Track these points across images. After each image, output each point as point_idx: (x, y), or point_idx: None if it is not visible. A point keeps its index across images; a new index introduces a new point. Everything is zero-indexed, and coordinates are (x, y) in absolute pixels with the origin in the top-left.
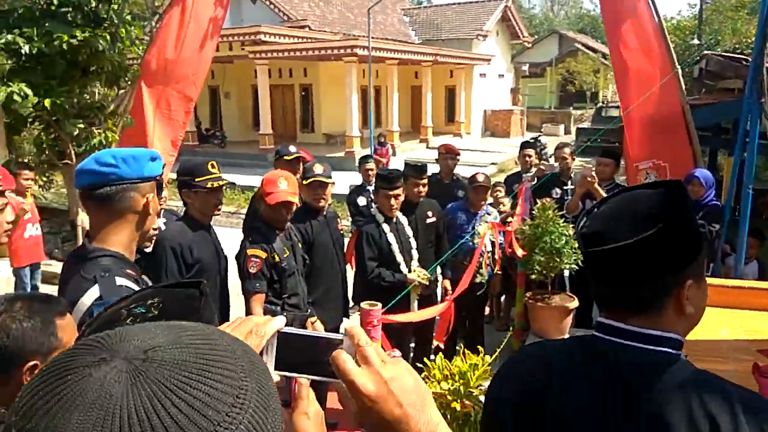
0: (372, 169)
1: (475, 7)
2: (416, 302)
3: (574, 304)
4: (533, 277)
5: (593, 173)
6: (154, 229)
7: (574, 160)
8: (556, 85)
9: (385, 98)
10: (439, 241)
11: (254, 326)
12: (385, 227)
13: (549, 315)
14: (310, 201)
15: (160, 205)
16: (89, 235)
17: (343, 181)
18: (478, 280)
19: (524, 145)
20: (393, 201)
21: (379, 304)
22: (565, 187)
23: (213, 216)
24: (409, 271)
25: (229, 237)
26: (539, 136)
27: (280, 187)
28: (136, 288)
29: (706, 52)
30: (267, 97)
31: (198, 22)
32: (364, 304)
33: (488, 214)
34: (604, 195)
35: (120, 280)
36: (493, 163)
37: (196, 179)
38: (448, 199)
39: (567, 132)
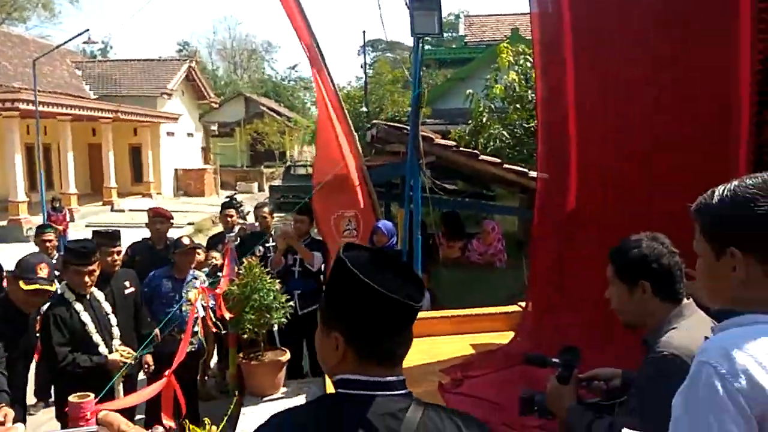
0: (51, 240)
1: (157, 65)
2: (120, 385)
3: (287, 357)
4: (245, 336)
5: (290, 230)
6: None
7: (273, 218)
8: (245, 145)
9: (57, 157)
10: (137, 313)
11: None
12: (78, 306)
13: (264, 371)
14: None
15: None
16: None
17: (6, 254)
18: (189, 349)
19: (225, 206)
20: (87, 278)
21: (91, 395)
22: (267, 245)
23: None
24: (110, 352)
25: None
26: (235, 194)
27: None
28: None
29: (374, 120)
30: None
31: None
32: (72, 398)
33: (195, 278)
34: (304, 249)
35: None
36: (190, 223)
37: None
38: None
39: (261, 189)
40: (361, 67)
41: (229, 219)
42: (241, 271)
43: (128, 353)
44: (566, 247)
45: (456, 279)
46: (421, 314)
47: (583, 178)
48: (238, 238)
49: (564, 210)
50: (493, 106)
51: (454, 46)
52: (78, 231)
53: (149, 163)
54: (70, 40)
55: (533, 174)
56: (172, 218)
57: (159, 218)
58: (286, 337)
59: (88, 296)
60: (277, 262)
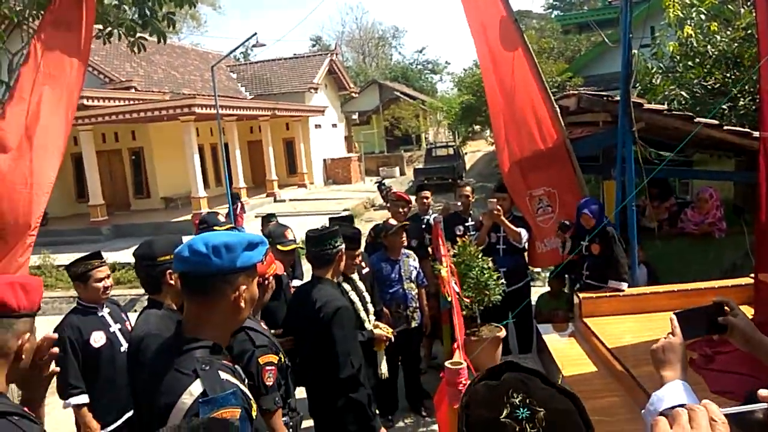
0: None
1: (302, 62)
2: (384, 359)
3: (503, 333)
4: (464, 313)
5: (498, 207)
6: None
7: (474, 197)
8: (382, 131)
9: (226, 155)
10: (372, 290)
11: None
12: (346, 287)
13: (483, 347)
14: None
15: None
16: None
17: None
18: (413, 324)
19: (420, 188)
20: (357, 260)
21: (464, 362)
22: (466, 224)
23: None
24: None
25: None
26: (383, 179)
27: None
28: (236, 381)
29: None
30: (94, 165)
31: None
32: (448, 364)
33: (407, 257)
34: (510, 226)
35: (222, 374)
36: (345, 210)
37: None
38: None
39: (402, 173)
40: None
41: (425, 201)
42: (455, 250)
43: (387, 329)
44: None
45: (672, 251)
46: (638, 289)
47: None
48: (442, 218)
49: None
50: (661, 66)
51: (599, 5)
52: (249, 222)
53: (302, 155)
54: (241, 45)
55: (756, 134)
56: (411, 201)
57: (401, 202)
58: (491, 314)
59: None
60: (483, 239)
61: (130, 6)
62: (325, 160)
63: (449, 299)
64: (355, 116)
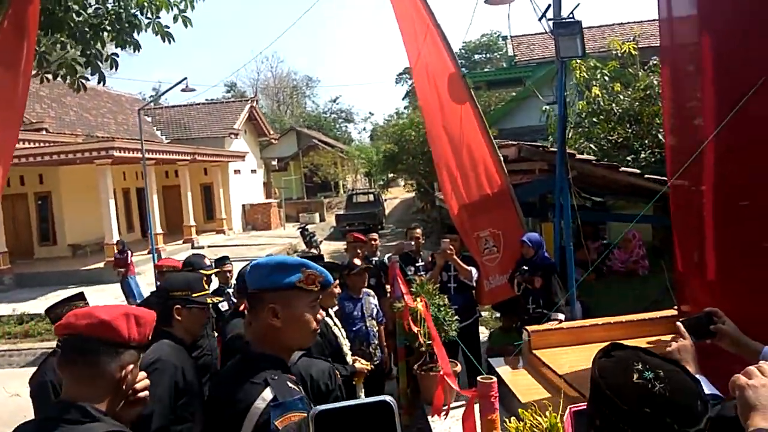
0: (230, 270)
1: (222, 107)
2: (362, 391)
3: (459, 368)
4: (422, 349)
5: (451, 247)
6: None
7: (424, 238)
8: (302, 177)
9: (141, 200)
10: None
11: None
12: (329, 321)
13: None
14: None
15: None
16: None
17: (106, 297)
18: (375, 361)
19: (367, 231)
20: (336, 293)
21: (494, 378)
22: (416, 264)
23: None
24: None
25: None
26: (306, 224)
27: None
28: (299, 390)
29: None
30: None
31: None
32: (480, 378)
33: (368, 295)
34: (462, 265)
35: (289, 383)
36: (269, 255)
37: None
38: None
39: (322, 219)
40: (406, 95)
41: (373, 243)
42: (413, 289)
43: (365, 363)
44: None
45: (602, 288)
46: (581, 322)
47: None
48: (397, 257)
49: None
50: (570, 121)
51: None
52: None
53: (220, 200)
54: (171, 88)
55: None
56: (367, 242)
57: (358, 243)
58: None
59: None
60: (435, 278)
61: (73, 46)
62: (244, 206)
63: (421, 334)
64: (274, 162)
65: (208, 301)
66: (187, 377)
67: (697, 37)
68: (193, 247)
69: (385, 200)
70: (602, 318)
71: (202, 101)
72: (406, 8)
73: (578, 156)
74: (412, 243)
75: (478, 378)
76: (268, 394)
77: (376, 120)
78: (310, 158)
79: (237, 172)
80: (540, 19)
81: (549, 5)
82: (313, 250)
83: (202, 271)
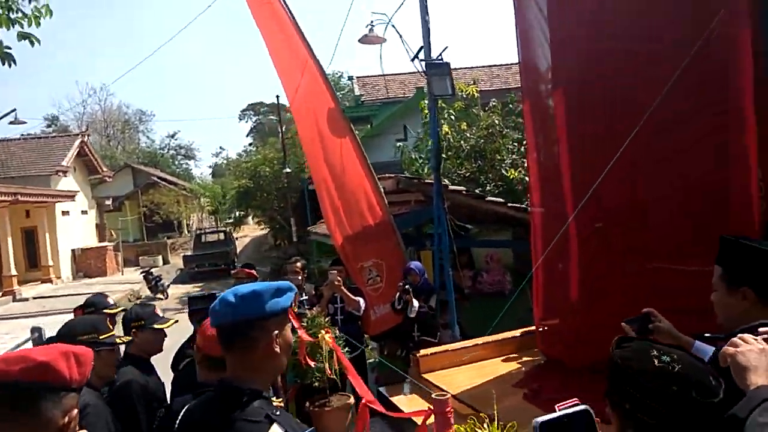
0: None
1: (47, 142)
2: None
3: (351, 400)
4: (316, 384)
5: (338, 278)
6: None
7: (305, 272)
8: (140, 217)
9: None
10: None
11: None
12: None
13: (334, 416)
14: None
15: None
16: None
17: None
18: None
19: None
20: None
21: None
22: (300, 299)
23: None
24: None
25: None
26: (151, 268)
27: None
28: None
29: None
30: None
31: None
32: (435, 395)
33: None
34: (350, 295)
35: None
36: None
37: None
38: None
39: (166, 261)
40: (251, 131)
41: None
42: (304, 323)
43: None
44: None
45: (474, 310)
46: (463, 343)
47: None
48: None
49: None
50: (421, 156)
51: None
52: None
53: (46, 245)
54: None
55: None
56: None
57: (251, 279)
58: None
59: None
60: (323, 310)
61: None
62: (74, 251)
63: (325, 368)
64: (108, 202)
65: (117, 341)
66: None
67: (550, 82)
68: (14, 300)
69: (237, 239)
70: (480, 338)
71: (18, 136)
72: (281, 44)
73: (450, 187)
74: (299, 277)
75: (433, 395)
76: (277, 430)
77: (228, 155)
78: (149, 196)
79: (65, 213)
80: (413, 60)
81: (421, 47)
82: (160, 296)
83: (106, 310)
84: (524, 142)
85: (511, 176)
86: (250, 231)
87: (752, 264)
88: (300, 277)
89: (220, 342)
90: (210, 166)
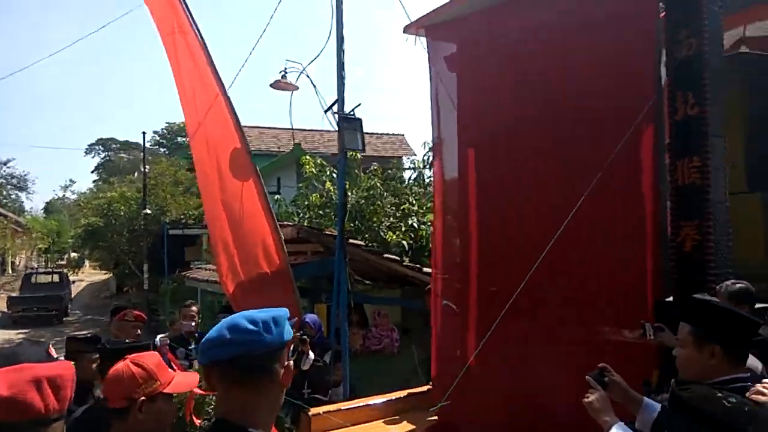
0: None
1: None
2: None
3: None
4: None
5: None
6: None
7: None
8: None
9: None
10: None
11: None
12: None
13: None
14: None
15: None
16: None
17: None
18: None
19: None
20: None
21: None
22: (190, 347)
23: None
24: None
25: None
26: None
27: None
28: None
29: (163, 222)
30: None
31: None
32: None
33: None
34: None
35: None
36: None
37: None
38: None
39: None
40: (97, 168)
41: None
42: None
43: None
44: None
45: (363, 369)
46: (353, 402)
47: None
48: (168, 340)
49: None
50: (299, 212)
51: None
52: None
53: None
54: None
55: (426, 270)
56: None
57: (139, 323)
58: None
59: None
60: None
61: None
62: None
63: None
64: None
65: None
66: None
67: (458, 158)
68: None
69: (73, 282)
70: (372, 397)
71: None
72: (191, 75)
73: (351, 240)
74: (192, 324)
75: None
76: None
77: (79, 188)
78: None
79: None
80: (326, 112)
81: (336, 100)
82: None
83: None
84: (401, 207)
85: (390, 239)
86: (86, 275)
87: (722, 324)
88: (194, 323)
89: (223, 379)
90: (46, 201)
